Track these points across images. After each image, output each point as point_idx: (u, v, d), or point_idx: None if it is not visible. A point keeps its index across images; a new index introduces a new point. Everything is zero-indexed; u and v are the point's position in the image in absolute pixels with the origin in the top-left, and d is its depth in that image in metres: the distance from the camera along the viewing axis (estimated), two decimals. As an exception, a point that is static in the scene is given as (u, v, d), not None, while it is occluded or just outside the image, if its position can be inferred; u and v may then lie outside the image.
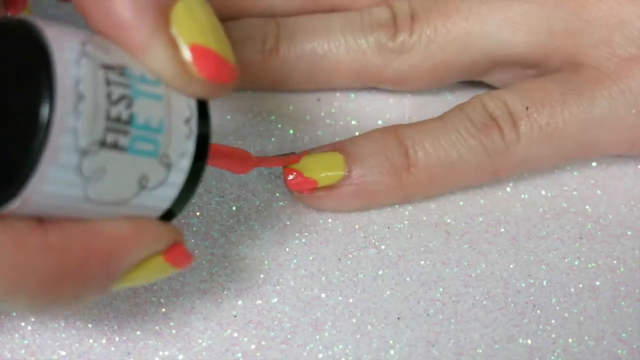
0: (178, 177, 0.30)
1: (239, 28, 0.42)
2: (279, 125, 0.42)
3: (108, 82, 0.28)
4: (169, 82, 0.30)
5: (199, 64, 0.30)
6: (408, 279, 0.38)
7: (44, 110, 0.27)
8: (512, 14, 0.40)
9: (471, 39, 0.40)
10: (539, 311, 0.38)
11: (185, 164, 0.30)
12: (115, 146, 0.28)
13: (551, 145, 0.39)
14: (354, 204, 0.40)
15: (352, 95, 0.43)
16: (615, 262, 0.39)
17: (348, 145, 0.40)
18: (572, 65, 0.40)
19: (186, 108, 0.30)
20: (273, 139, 0.42)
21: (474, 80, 0.43)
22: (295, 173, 0.39)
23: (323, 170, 0.39)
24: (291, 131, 0.42)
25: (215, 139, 0.41)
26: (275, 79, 0.42)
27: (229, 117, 0.42)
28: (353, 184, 0.39)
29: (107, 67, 0.29)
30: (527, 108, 0.39)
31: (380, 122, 0.43)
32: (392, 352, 0.37)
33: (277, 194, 0.40)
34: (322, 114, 0.43)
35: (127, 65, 0.29)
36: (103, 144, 0.28)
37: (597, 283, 0.39)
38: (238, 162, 0.36)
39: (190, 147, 0.30)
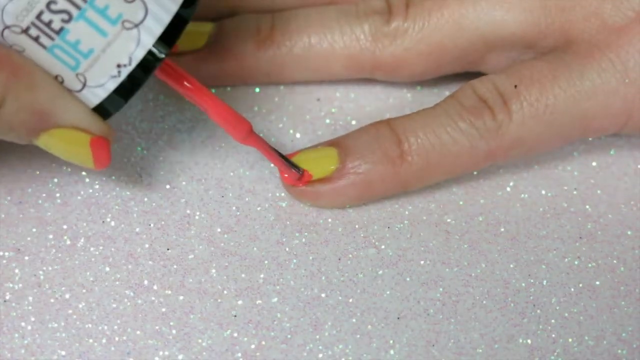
0: (91, 97, 0.34)
1: (235, 21, 0.42)
2: (279, 125, 0.42)
3: None
4: None
5: None
6: (408, 279, 0.38)
7: None
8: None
9: (465, 21, 0.40)
10: (539, 311, 0.38)
11: (100, 92, 0.34)
12: (36, 40, 0.33)
13: (544, 122, 0.39)
14: (350, 196, 0.40)
15: (352, 95, 0.43)
16: (615, 261, 0.39)
17: (342, 139, 0.40)
18: (564, 43, 0.40)
19: (126, 57, 0.33)
20: (273, 139, 0.42)
21: (471, 70, 0.43)
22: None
23: (318, 163, 0.39)
24: (291, 131, 0.42)
25: (215, 139, 0.42)
26: (270, 69, 0.42)
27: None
28: (348, 174, 0.39)
29: None
30: (515, 86, 0.39)
31: (380, 122, 0.43)
32: (392, 351, 0.37)
33: (277, 194, 0.40)
34: (322, 113, 0.43)
35: None
36: (25, 31, 0.33)
37: (597, 283, 0.39)
38: (233, 126, 0.37)
39: (111, 85, 0.34)
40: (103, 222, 0.39)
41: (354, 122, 0.43)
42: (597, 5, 0.39)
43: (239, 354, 0.36)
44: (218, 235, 0.39)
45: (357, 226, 0.40)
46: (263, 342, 0.37)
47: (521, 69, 0.39)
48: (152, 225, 0.39)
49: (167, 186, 0.40)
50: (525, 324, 0.37)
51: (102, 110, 0.35)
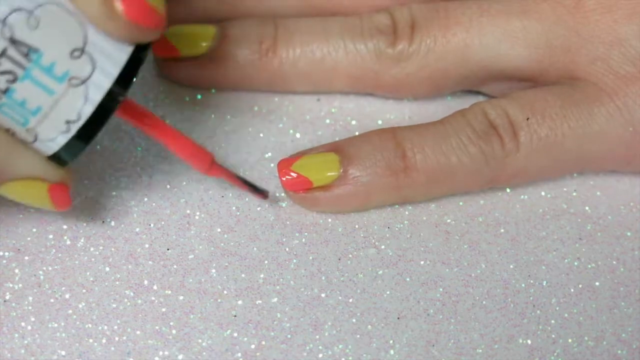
0: (45, 148, 0.34)
1: (236, 26, 0.42)
2: (280, 125, 0.42)
3: (2, 53, 0.32)
4: (94, 19, 0.32)
5: (125, 5, 0.32)
6: (408, 279, 0.38)
7: None
8: (511, 28, 0.40)
9: (470, 51, 0.41)
10: (538, 311, 0.38)
11: (53, 145, 0.34)
12: None
13: (549, 157, 0.39)
14: (350, 205, 0.40)
15: (352, 95, 0.43)
16: (614, 262, 0.39)
17: (344, 146, 0.40)
18: (569, 80, 0.40)
19: (74, 113, 0.33)
20: (273, 139, 0.42)
21: (471, 89, 0.43)
22: (290, 173, 0.39)
23: (318, 170, 0.39)
24: (291, 131, 0.42)
25: (215, 139, 0.42)
26: (272, 79, 0.42)
27: (228, 117, 0.42)
28: (348, 184, 0.39)
29: (13, 42, 0.31)
30: (527, 119, 0.39)
31: (380, 122, 0.43)
32: (391, 352, 0.37)
33: (277, 194, 0.40)
34: (322, 113, 0.43)
35: (41, 50, 0.32)
36: None
37: (597, 283, 0.39)
38: (194, 159, 0.37)
39: (62, 140, 0.34)
40: (103, 222, 0.39)
41: (354, 122, 0.43)
42: (604, 51, 0.39)
43: (239, 354, 0.36)
44: (218, 235, 0.39)
45: (357, 226, 0.40)
46: (263, 342, 0.37)
47: (533, 100, 0.39)
48: (152, 225, 0.39)
49: (167, 186, 0.40)
50: (525, 325, 0.37)
51: (58, 158, 0.34)
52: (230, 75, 0.42)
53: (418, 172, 0.39)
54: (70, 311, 0.37)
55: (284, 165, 0.39)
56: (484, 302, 0.38)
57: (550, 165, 0.40)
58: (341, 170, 0.39)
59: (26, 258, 0.38)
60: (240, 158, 0.41)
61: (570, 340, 0.37)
